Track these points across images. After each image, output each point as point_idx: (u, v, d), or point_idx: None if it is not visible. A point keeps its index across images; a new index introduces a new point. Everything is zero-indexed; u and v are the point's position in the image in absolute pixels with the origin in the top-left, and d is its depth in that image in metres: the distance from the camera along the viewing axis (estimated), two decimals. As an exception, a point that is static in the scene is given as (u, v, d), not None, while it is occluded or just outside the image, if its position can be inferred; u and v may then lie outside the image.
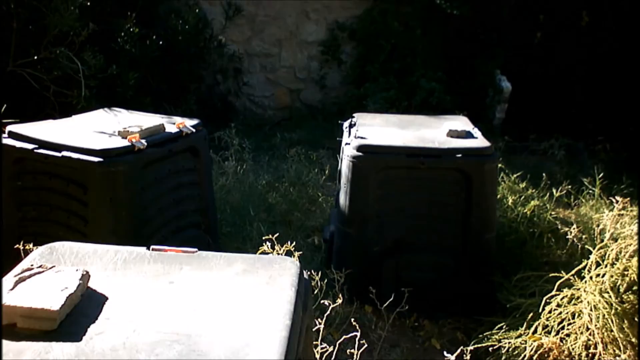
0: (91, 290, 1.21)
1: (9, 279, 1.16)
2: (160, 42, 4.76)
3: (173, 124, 2.68)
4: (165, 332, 1.07)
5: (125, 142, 2.38)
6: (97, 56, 3.96)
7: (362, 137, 2.67)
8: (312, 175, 4.20)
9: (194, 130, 2.68)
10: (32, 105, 3.77)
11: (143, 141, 2.42)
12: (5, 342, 1.01)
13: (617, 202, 2.67)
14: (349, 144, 2.66)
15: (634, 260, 2.16)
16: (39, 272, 1.20)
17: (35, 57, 3.81)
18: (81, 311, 1.13)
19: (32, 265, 1.23)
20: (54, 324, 1.06)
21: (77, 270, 1.22)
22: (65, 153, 2.30)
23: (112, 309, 1.15)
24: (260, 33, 5.89)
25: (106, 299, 1.19)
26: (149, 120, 2.72)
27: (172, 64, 4.92)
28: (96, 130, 2.57)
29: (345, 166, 2.68)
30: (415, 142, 2.66)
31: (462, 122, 2.96)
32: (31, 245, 2.00)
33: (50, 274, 1.20)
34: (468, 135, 2.73)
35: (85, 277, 1.21)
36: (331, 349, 1.70)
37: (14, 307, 1.06)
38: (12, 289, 1.12)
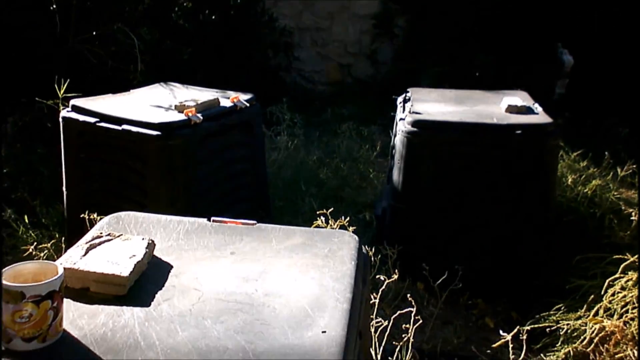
0: (157, 258, 1.25)
1: (80, 245, 1.21)
2: (213, 17, 4.80)
3: (227, 98, 2.71)
4: (229, 300, 1.09)
5: (181, 116, 2.42)
6: (152, 31, 4.03)
7: (417, 113, 2.62)
8: (363, 151, 4.17)
9: (247, 104, 2.70)
10: (91, 79, 3.89)
11: (199, 115, 2.45)
12: (80, 305, 1.06)
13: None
14: (404, 119, 2.62)
15: None
16: (108, 240, 1.24)
17: (94, 33, 3.91)
18: (148, 278, 1.17)
19: (101, 233, 1.28)
20: (124, 290, 1.10)
21: (143, 239, 1.26)
22: (125, 126, 2.37)
23: (177, 277, 1.18)
24: (312, 6, 5.82)
25: (171, 267, 1.22)
26: (204, 94, 2.76)
27: (224, 39, 4.96)
28: (154, 104, 2.63)
29: (399, 142, 2.64)
30: (473, 117, 2.58)
31: (522, 97, 2.85)
32: (95, 215, 2.08)
33: (118, 242, 1.24)
34: (528, 110, 2.63)
35: (151, 245, 1.25)
36: (386, 323, 1.70)
37: (87, 272, 1.11)
38: (84, 255, 1.16)
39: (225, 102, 2.66)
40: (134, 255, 1.18)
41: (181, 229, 1.39)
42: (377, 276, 1.98)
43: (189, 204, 2.47)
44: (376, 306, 1.78)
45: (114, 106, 2.55)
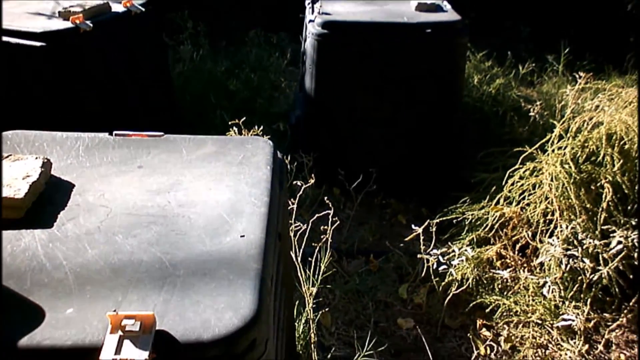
0: (55, 178, 1.15)
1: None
2: None
3: (119, 2, 2.46)
4: (140, 214, 1.03)
5: (68, 24, 2.18)
6: None
7: (326, 13, 2.53)
8: (273, 59, 4.04)
9: (142, 9, 2.47)
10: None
11: (88, 22, 2.22)
12: (-30, 232, 0.96)
13: (580, 77, 2.68)
14: (313, 20, 2.52)
15: (595, 132, 2.22)
16: (-6, 162, 1.12)
17: None
18: (48, 199, 1.07)
19: (-16, 154, 1.14)
20: (20, 212, 1.01)
21: (37, 158, 1.14)
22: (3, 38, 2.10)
23: (80, 195, 1.09)
24: None
25: (73, 185, 1.13)
26: (92, -1, 2.48)
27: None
28: (32, 11, 2.34)
29: (309, 46, 2.56)
30: (383, 17, 2.54)
31: (430, -5, 2.83)
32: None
33: (7, 163, 1.12)
34: (438, 8, 2.63)
35: (47, 164, 1.14)
36: (304, 227, 1.72)
37: (-27, 196, 1.00)
38: (-32, 179, 1.04)
39: (118, 7, 2.42)
40: (28, 176, 1.08)
41: (80, 145, 1.28)
42: (295, 182, 1.98)
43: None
44: (294, 212, 1.79)
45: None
